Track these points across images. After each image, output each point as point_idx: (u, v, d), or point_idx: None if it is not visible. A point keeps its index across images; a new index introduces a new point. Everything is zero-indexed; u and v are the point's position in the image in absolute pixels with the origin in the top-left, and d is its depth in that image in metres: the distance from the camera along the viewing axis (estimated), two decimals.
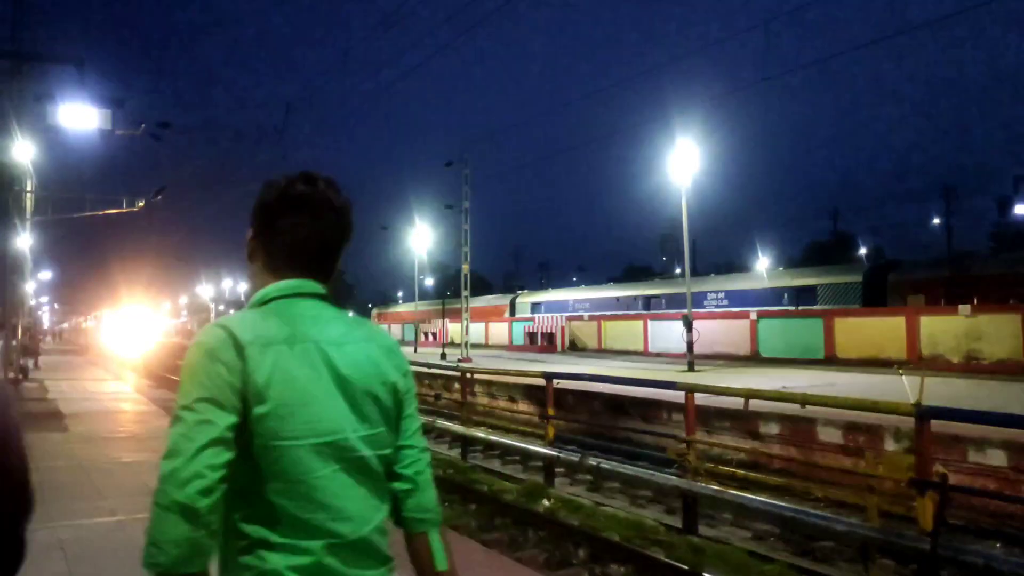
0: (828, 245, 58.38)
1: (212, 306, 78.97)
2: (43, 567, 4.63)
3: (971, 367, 18.08)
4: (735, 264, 63.23)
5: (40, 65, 13.75)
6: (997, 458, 8.51)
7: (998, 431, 8.55)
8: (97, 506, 6.29)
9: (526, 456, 11.74)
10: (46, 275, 43.69)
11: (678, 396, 9.60)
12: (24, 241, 23.36)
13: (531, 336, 34.80)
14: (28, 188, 22.71)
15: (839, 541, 7.26)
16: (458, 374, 15.96)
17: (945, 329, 19.07)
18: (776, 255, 53.31)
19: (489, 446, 12.76)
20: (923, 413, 6.23)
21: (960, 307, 18.94)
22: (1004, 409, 10.31)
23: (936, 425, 7.20)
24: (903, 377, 11.58)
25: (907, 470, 6.22)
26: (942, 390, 13.08)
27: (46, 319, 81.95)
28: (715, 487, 7.89)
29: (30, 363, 24.62)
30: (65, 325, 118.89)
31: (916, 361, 19.09)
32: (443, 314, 40.58)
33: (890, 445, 9.47)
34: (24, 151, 18.52)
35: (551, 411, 11.07)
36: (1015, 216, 34.90)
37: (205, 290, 78.48)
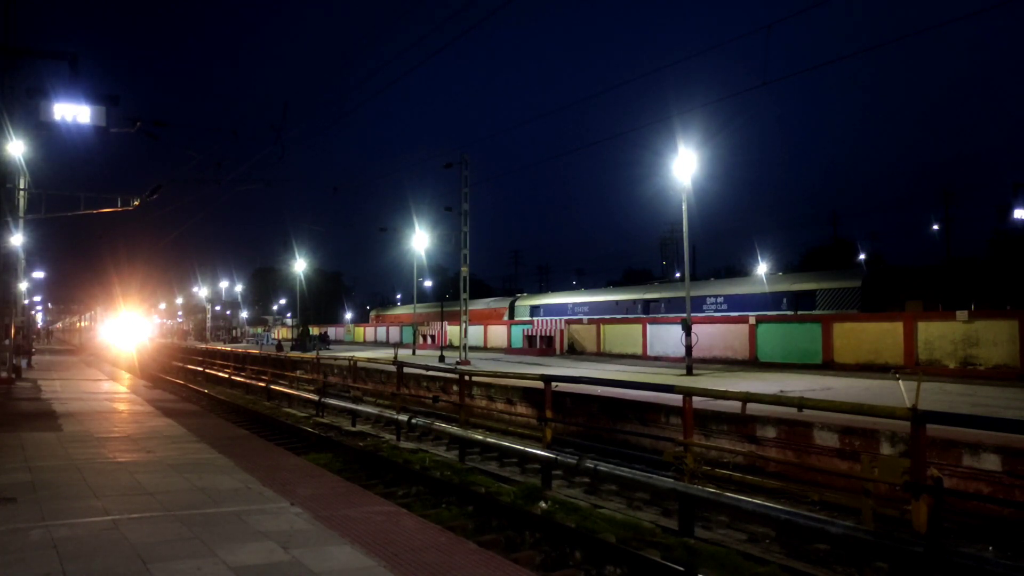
0: (828, 250, 58.41)
1: (208, 306, 78.82)
2: (37, 566, 4.63)
3: (967, 372, 18.11)
4: (735, 269, 63.34)
5: (32, 60, 13.69)
6: (991, 462, 8.51)
7: (992, 435, 8.56)
8: (91, 506, 6.28)
9: (524, 458, 11.73)
10: (39, 274, 43.59)
11: (676, 399, 9.60)
12: (17, 239, 23.35)
13: (530, 339, 34.79)
14: (21, 185, 22.67)
15: (834, 544, 7.26)
16: (456, 376, 15.94)
17: (942, 334, 19.10)
18: (776, 260, 53.32)
19: (487, 448, 12.75)
20: (918, 417, 6.24)
21: (957, 313, 18.98)
22: (999, 414, 10.36)
23: (931, 429, 7.21)
24: (899, 382, 11.61)
25: (902, 474, 6.22)
26: (938, 395, 13.10)
27: (39, 319, 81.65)
28: (712, 490, 7.90)
29: (23, 362, 24.57)
30: (59, 324, 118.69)
31: (913, 366, 19.11)
32: (442, 316, 40.55)
33: (886, 449, 9.47)
34: (16, 147, 18.47)
35: (549, 414, 11.07)
36: (1014, 222, 34.94)
37: (201, 290, 78.25)
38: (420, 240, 35.35)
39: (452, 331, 38.89)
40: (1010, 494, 8.30)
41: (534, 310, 44.25)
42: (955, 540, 7.45)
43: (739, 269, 59.69)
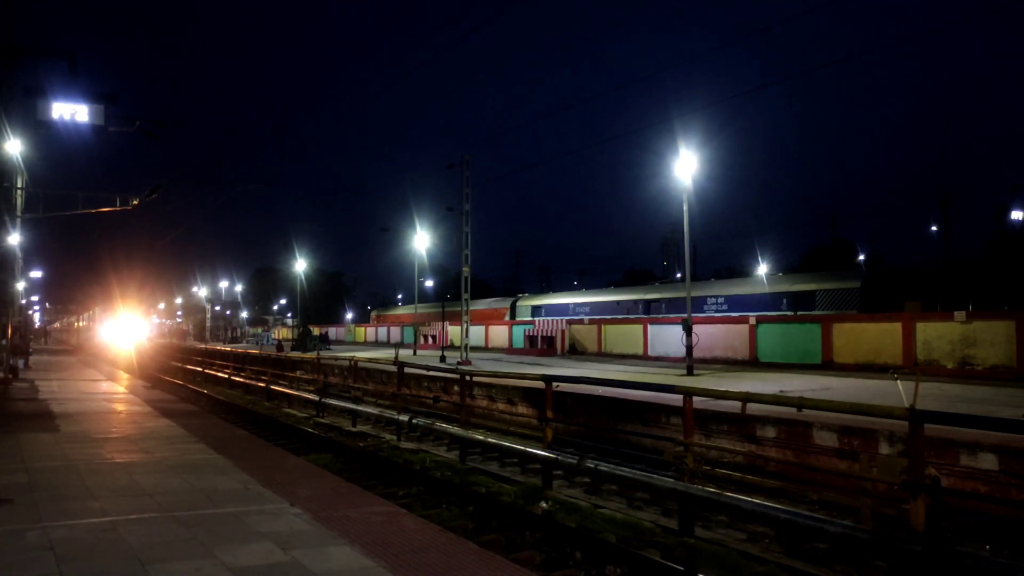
0: (827, 251, 58.40)
1: (208, 306, 78.81)
2: (34, 567, 4.62)
3: (965, 372, 18.13)
4: (735, 269, 63.28)
5: (30, 59, 13.67)
6: (988, 462, 8.52)
7: (989, 435, 8.57)
8: (88, 507, 6.27)
9: (525, 458, 11.73)
10: (37, 274, 43.61)
11: (676, 400, 9.60)
12: (14, 239, 23.34)
13: (531, 339, 34.80)
14: (19, 184, 22.65)
15: (833, 543, 7.26)
16: (457, 377, 15.94)
17: (940, 335, 19.12)
18: (776, 261, 53.31)
19: (488, 448, 12.75)
20: (916, 417, 6.24)
21: (956, 313, 19.01)
22: (996, 414, 10.36)
23: (929, 429, 7.21)
24: (898, 382, 11.60)
25: (900, 473, 6.22)
26: (936, 395, 13.10)
27: (37, 319, 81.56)
28: (712, 489, 7.89)
29: (20, 362, 24.54)
30: (57, 324, 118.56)
31: (911, 366, 19.12)
32: (443, 316, 40.55)
33: (884, 448, 9.48)
34: (14, 146, 18.45)
35: (550, 414, 11.07)
36: (1012, 223, 34.96)
37: (201, 290, 78.20)
38: (421, 240, 35.36)
39: (453, 331, 38.89)
40: (1007, 493, 8.31)
41: (535, 310, 44.26)
42: (953, 539, 7.45)
43: (740, 270, 59.69)
